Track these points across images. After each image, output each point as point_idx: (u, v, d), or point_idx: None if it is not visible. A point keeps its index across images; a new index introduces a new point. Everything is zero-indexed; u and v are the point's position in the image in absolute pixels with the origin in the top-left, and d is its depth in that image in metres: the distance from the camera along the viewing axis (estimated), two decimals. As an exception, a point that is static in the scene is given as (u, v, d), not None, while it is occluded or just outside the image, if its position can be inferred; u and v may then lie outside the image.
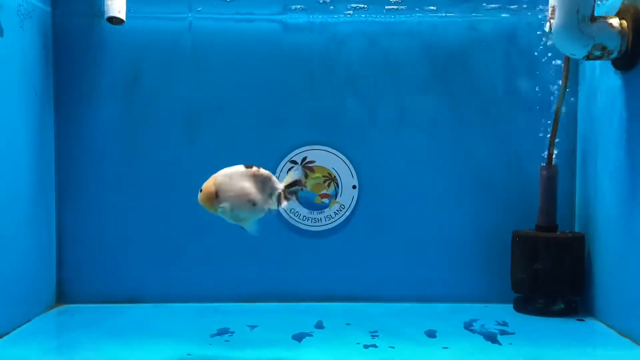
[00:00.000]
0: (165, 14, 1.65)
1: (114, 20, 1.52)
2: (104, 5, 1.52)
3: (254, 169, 1.18)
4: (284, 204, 1.18)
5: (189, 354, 1.24)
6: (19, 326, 1.43)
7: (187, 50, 1.66)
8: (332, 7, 1.64)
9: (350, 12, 1.65)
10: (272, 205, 1.18)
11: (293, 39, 1.67)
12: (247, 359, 1.23)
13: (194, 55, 1.66)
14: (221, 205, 1.18)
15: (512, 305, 1.62)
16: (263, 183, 1.18)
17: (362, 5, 1.63)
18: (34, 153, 1.53)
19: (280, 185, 1.19)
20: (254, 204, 1.17)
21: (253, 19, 1.67)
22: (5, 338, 1.35)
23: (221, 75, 1.67)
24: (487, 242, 1.67)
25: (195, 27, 1.66)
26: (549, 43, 1.62)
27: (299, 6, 1.63)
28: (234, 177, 1.18)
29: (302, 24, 1.67)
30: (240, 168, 1.18)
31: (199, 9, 1.64)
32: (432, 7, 1.64)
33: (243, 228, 1.20)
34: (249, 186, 1.17)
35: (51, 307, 1.61)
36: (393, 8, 1.64)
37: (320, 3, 1.62)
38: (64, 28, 1.63)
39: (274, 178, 1.20)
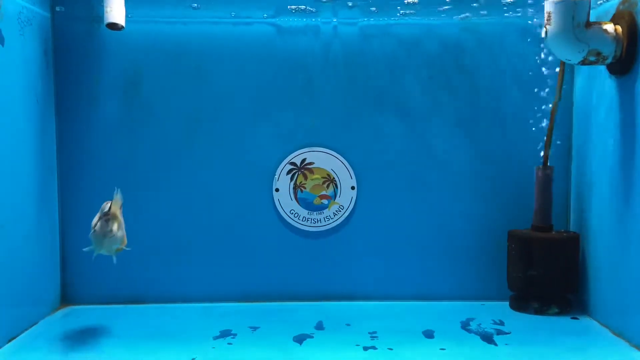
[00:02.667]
0: (164, 17, 1.66)
1: (114, 26, 1.53)
2: (103, 11, 1.52)
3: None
4: (97, 225, 1.33)
5: (193, 358, 1.27)
6: (26, 329, 1.46)
7: (186, 54, 1.67)
8: (329, 10, 1.65)
9: (348, 14, 1.66)
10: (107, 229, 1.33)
11: (291, 41, 1.68)
12: (250, 363, 1.26)
13: (193, 58, 1.67)
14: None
15: (508, 303, 1.66)
16: (101, 212, 1.35)
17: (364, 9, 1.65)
18: (37, 158, 1.55)
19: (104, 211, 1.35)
20: (94, 230, 1.33)
21: (251, 22, 1.68)
22: (13, 342, 1.38)
23: (220, 77, 1.68)
24: (484, 241, 1.70)
25: (194, 31, 1.67)
26: (544, 48, 1.64)
27: (295, 7, 1.63)
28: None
29: (299, 26, 1.68)
30: None
31: (196, 11, 1.65)
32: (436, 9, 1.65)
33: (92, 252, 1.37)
34: (95, 218, 1.34)
35: (56, 309, 1.64)
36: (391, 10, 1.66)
37: (318, 5, 1.63)
38: (64, 33, 1.64)
39: (104, 206, 1.34)
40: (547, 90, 1.68)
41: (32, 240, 1.52)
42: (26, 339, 1.41)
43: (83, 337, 1.42)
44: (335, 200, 1.71)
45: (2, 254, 1.36)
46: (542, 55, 1.67)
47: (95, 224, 1.33)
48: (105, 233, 1.33)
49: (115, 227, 1.34)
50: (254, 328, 1.48)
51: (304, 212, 1.71)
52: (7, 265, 1.39)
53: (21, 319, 1.46)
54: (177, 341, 1.38)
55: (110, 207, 1.34)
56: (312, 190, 1.72)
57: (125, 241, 1.43)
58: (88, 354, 1.32)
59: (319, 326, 1.49)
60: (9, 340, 1.38)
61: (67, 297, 1.68)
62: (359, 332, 1.45)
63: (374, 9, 1.62)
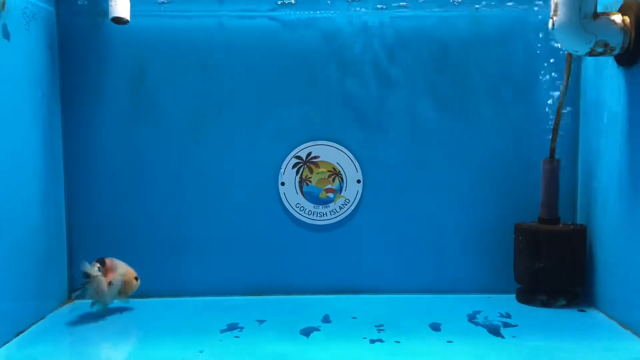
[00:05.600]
0: (169, 12, 1.66)
1: (119, 20, 1.53)
2: (108, 5, 1.52)
3: None
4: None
5: (201, 351, 1.28)
6: (34, 323, 1.47)
7: (191, 48, 1.67)
8: (334, 3, 1.64)
9: (353, 7, 1.65)
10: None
11: (295, 35, 1.68)
12: (257, 356, 1.26)
13: (198, 53, 1.67)
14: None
15: (514, 295, 1.66)
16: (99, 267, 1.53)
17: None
18: (43, 153, 1.55)
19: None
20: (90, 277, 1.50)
21: (255, 16, 1.67)
22: (21, 336, 1.39)
23: (225, 72, 1.68)
24: (490, 234, 1.70)
25: (199, 25, 1.67)
26: (551, 41, 1.63)
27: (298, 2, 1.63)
28: None
29: (304, 20, 1.68)
30: None
31: (201, 6, 1.65)
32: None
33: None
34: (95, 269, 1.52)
35: (63, 304, 1.65)
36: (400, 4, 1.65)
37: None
38: (69, 28, 1.64)
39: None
40: (554, 82, 1.67)
41: (39, 234, 1.52)
42: (33, 333, 1.41)
43: (90, 331, 1.43)
44: (341, 194, 1.71)
45: (9, 249, 1.37)
46: (553, 48, 1.66)
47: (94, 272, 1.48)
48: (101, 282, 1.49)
49: (105, 285, 1.50)
50: (261, 321, 1.48)
51: (309, 206, 1.71)
52: (15, 259, 1.39)
53: (29, 313, 1.46)
54: (185, 334, 1.39)
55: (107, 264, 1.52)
56: (318, 184, 1.71)
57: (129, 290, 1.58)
58: (95, 348, 1.33)
59: (326, 319, 1.49)
60: (17, 334, 1.39)
61: (74, 292, 1.68)
62: (365, 325, 1.45)
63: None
